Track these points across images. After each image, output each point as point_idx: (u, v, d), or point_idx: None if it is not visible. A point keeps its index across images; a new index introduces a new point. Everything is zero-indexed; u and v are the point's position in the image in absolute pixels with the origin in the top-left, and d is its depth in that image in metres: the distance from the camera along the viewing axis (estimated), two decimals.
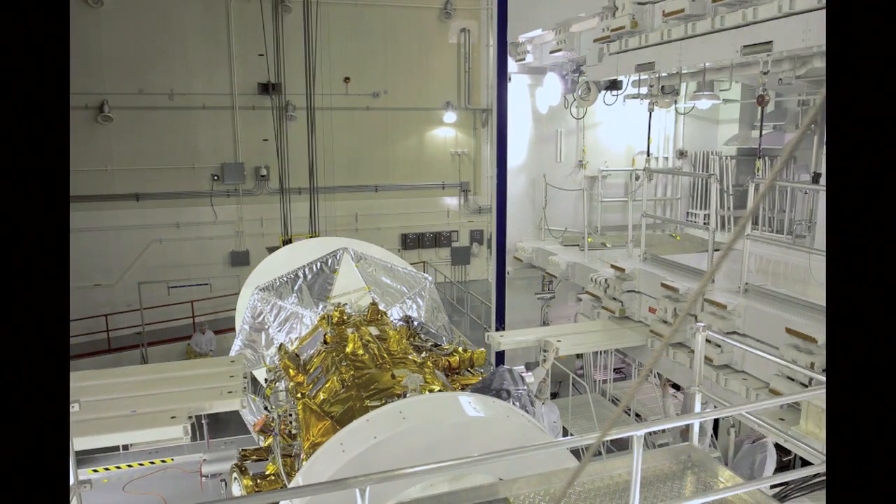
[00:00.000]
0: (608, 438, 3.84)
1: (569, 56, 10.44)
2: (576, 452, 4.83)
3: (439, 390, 5.09)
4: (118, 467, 9.90)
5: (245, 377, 6.38)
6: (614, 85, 10.88)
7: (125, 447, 9.83)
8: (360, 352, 5.72)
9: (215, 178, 17.90)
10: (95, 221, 16.84)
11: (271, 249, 14.84)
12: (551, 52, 10.65)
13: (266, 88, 17.65)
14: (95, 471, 9.81)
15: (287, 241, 15.02)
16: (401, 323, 7.19)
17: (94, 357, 15.57)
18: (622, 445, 7.82)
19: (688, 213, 12.52)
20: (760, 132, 8.14)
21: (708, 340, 4.50)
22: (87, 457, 9.41)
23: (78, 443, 3.71)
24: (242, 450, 5.79)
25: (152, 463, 9.99)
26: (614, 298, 8.41)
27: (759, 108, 7.90)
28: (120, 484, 9.73)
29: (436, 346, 6.70)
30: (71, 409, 3.52)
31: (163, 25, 16.98)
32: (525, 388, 5.31)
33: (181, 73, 17.24)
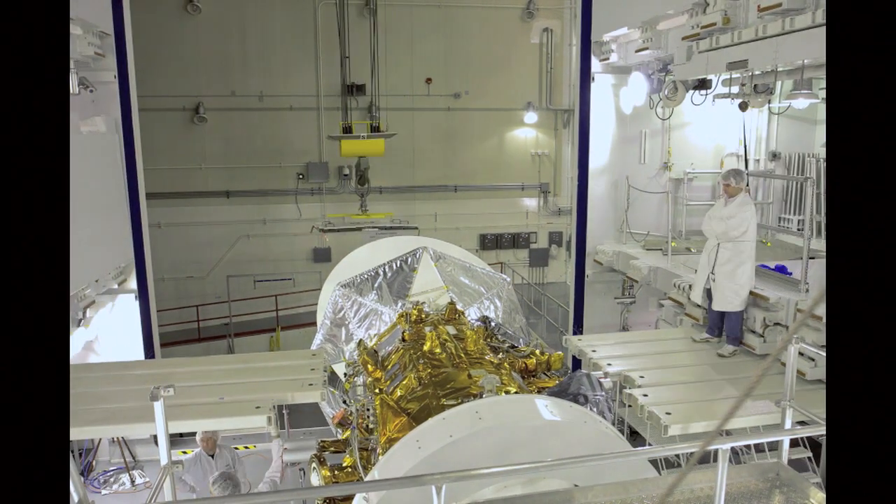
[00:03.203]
0: (691, 451, 3.71)
1: (655, 55, 10.15)
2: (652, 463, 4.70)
3: (515, 392, 5.07)
4: None
5: (325, 370, 6.55)
6: (703, 84, 10.50)
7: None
8: (438, 350, 5.77)
9: (300, 176, 18.50)
10: (189, 217, 17.76)
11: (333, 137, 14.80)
12: (637, 51, 10.38)
13: (350, 90, 18.09)
14: (185, 452, 10.35)
15: (346, 129, 14.91)
16: (478, 323, 7.20)
17: (186, 345, 16.43)
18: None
19: (780, 217, 11.93)
20: None
21: (801, 353, 4.27)
22: (175, 439, 9.96)
23: (172, 426, 3.91)
24: (321, 441, 5.95)
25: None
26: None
27: None
28: None
29: (513, 347, 6.68)
30: (165, 394, 3.71)
31: (254, 30, 17.69)
32: (603, 393, 5.20)
33: (271, 75, 17.91)
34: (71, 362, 9.46)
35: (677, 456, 7.03)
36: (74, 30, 8.58)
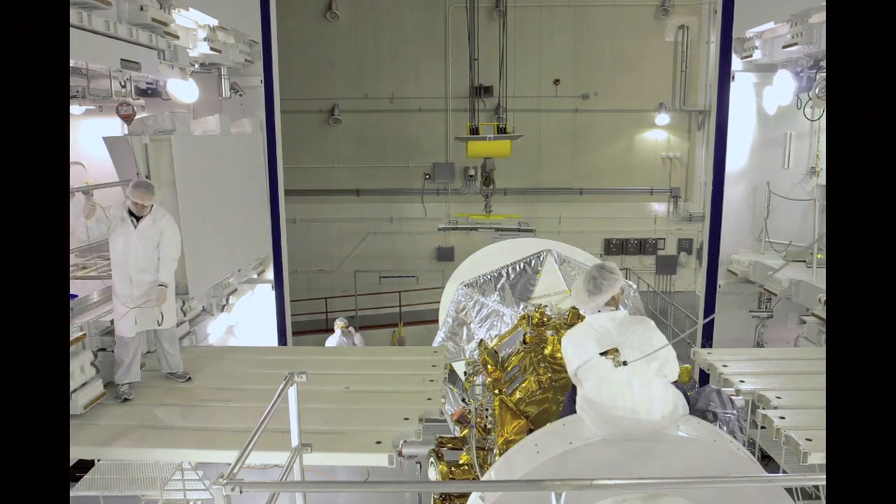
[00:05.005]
0: None
1: (806, 50, 9.40)
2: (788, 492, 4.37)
3: None
4: None
5: (445, 368, 6.68)
6: None
7: None
8: (559, 355, 5.69)
9: (427, 176, 18.93)
10: (321, 213, 18.71)
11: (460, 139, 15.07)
12: (784, 47, 9.68)
13: (478, 91, 18.25)
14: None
15: (473, 130, 15.02)
16: None
17: (314, 335, 17.31)
18: None
19: None
20: None
21: None
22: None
23: (303, 408, 4.14)
24: (439, 437, 6.05)
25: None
26: None
27: None
28: None
29: None
30: (299, 380, 3.94)
31: (387, 35, 18.31)
32: (734, 412, 4.92)
33: (401, 78, 18.46)
34: (213, 344, 10.18)
35: (816, 487, 6.50)
36: (228, 39, 9.30)
